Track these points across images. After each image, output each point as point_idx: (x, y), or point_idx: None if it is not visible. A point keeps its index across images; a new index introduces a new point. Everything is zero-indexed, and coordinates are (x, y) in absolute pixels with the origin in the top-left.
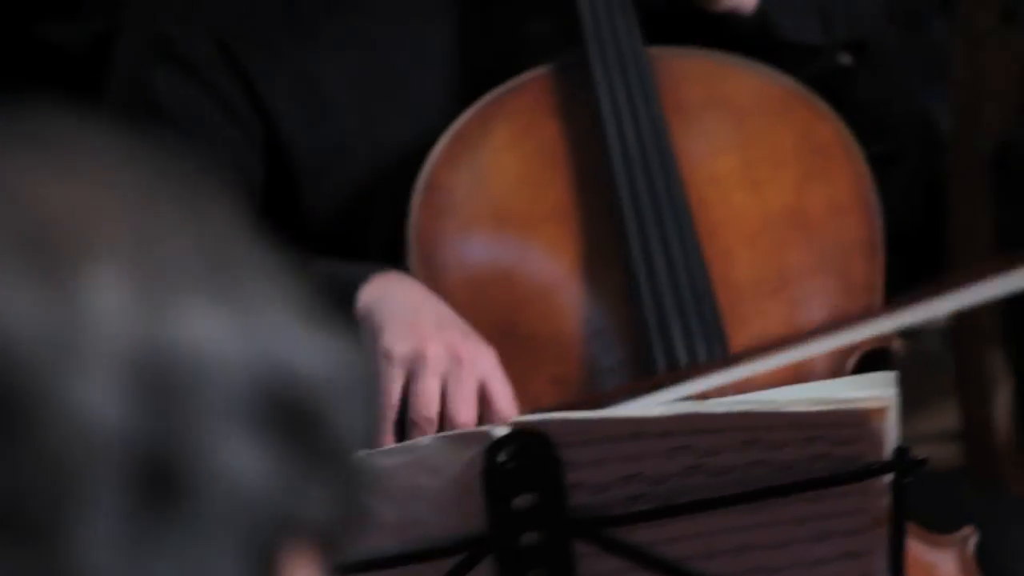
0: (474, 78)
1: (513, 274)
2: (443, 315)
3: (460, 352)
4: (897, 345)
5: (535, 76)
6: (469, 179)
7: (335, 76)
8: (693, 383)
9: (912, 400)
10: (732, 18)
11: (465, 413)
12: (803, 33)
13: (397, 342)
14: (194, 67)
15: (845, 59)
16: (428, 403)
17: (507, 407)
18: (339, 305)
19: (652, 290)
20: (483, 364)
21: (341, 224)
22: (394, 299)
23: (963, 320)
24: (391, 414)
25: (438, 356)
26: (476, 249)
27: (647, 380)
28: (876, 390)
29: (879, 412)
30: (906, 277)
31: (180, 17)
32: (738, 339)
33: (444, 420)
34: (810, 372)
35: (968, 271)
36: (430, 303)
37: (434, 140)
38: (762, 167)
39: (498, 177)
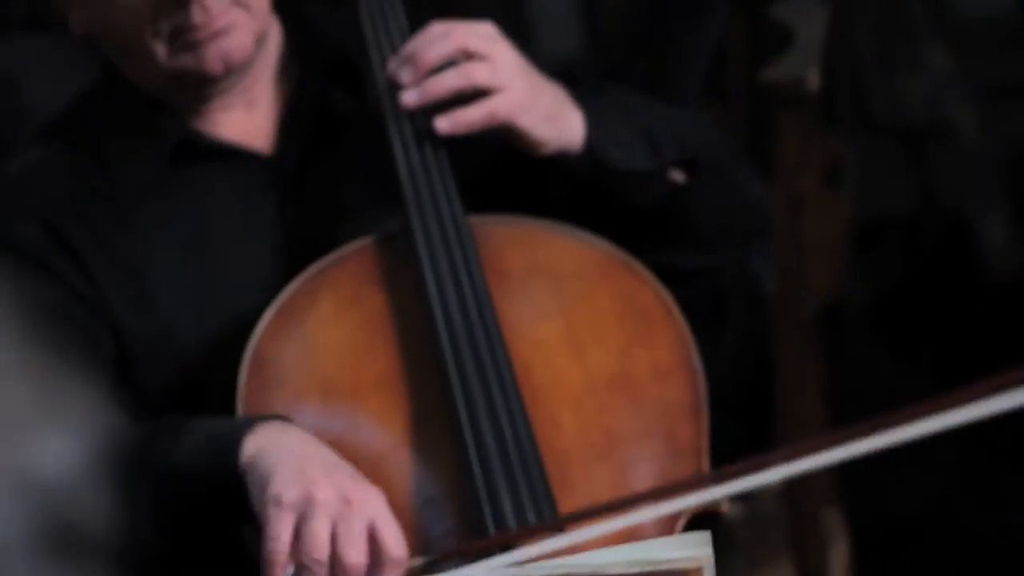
0: (298, 250)
1: (343, 444)
2: (330, 460)
3: (349, 495)
4: (726, 507)
5: (359, 247)
6: (296, 351)
7: (157, 260)
8: (521, 549)
9: (750, 559)
10: (563, 159)
11: (355, 554)
12: (633, 161)
13: (286, 488)
14: (17, 246)
15: (678, 177)
16: (319, 546)
17: (396, 547)
18: (221, 456)
19: (480, 458)
20: (372, 505)
21: (176, 401)
22: (280, 446)
23: (798, 480)
24: (281, 559)
25: (328, 500)
26: (305, 420)
27: (476, 543)
28: (693, 550)
29: (695, 572)
30: (738, 438)
31: (4, 209)
32: (567, 504)
33: (335, 563)
34: (640, 530)
35: (798, 443)
36: (316, 449)
37: (260, 314)
38: (585, 333)
39: (324, 348)
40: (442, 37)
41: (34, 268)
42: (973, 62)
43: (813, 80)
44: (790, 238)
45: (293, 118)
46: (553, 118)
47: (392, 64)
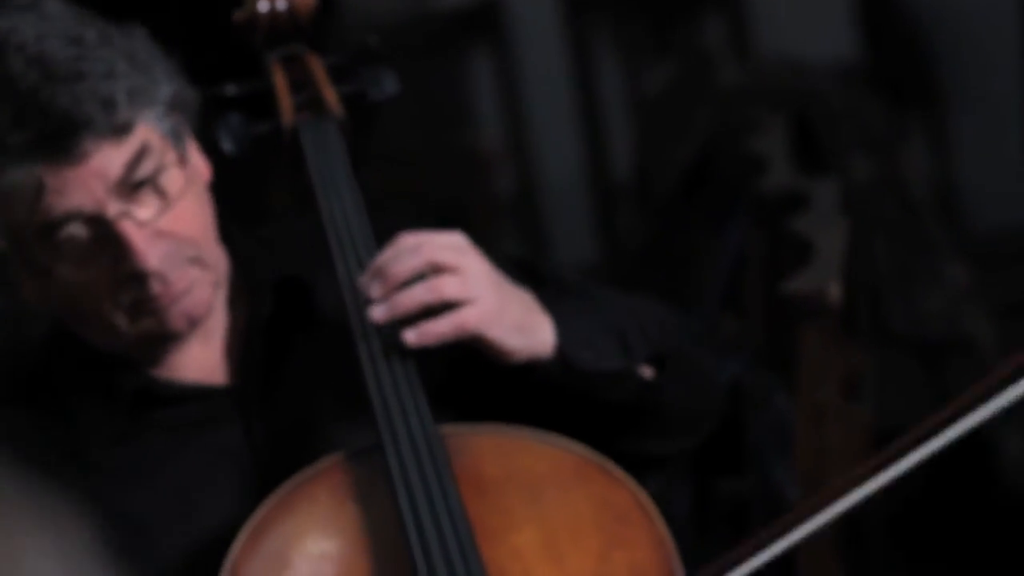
0: (273, 472)
1: None
2: None
3: None
4: None
5: (332, 462)
6: (270, 567)
7: (130, 502)
8: None
9: None
10: (534, 365)
11: None
12: (603, 361)
13: None
14: None
15: (646, 371)
16: None
17: None
18: None
19: None
20: None
21: None
22: None
23: None
24: None
25: None
26: None
27: None
28: None
29: None
30: None
31: None
32: None
33: None
34: None
35: None
36: None
37: (234, 533)
38: (563, 538)
39: (300, 563)
40: (411, 251)
41: None
42: (989, 276)
43: (835, 292)
44: (812, 448)
45: (248, 346)
46: (523, 328)
47: (361, 278)
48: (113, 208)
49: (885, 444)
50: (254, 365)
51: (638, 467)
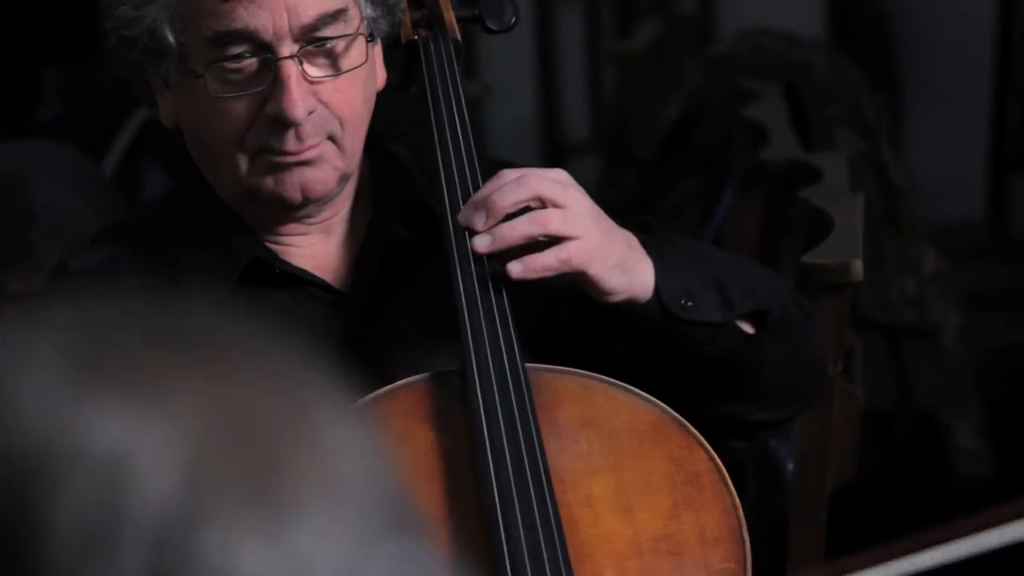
0: (355, 382)
1: None
2: None
3: None
4: None
5: (412, 382)
6: None
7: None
8: None
9: None
10: (630, 308)
11: None
12: (702, 311)
13: None
14: None
15: (748, 329)
16: None
17: None
18: None
19: None
20: None
21: None
22: None
23: None
24: None
25: None
26: None
27: None
28: None
29: None
30: None
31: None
32: None
33: None
34: None
35: None
36: None
37: None
38: (635, 492)
39: None
40: (516, 183)
41: None
42: (957, 266)
43: (858, 267)
44: (816, 423)
45: (365, 252)
46: (624, 266)
47: (465, 209)
48: (287, 48)
49: None
50: (367, 273)
51: (722, 434)
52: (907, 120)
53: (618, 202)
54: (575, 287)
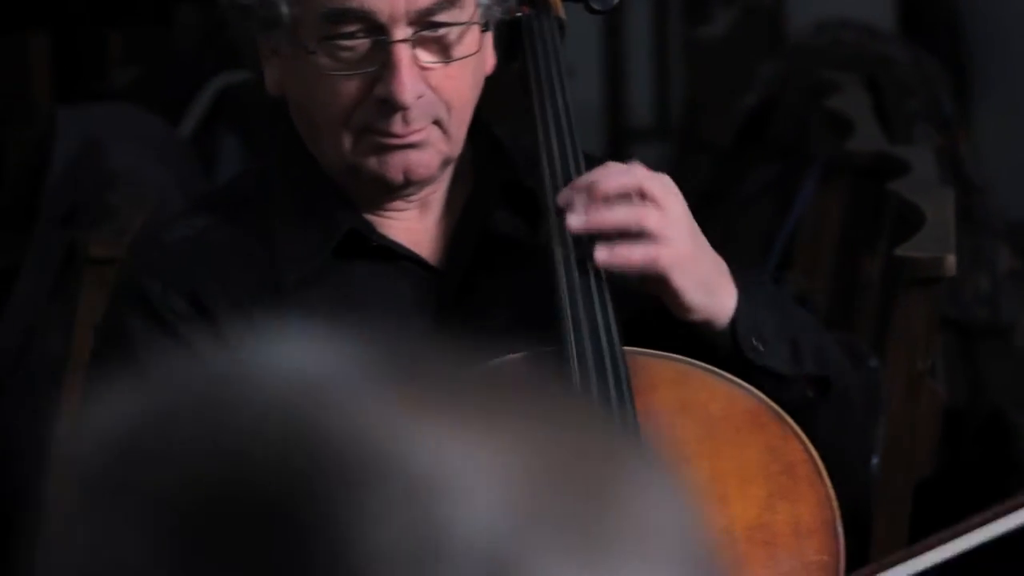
0: None
1: None
2: None
3: None
4: None
5: (508, 360)
6: None
7: None
8: None
9: None
10: (704, 330)
11: None
12: (772, 359)
13: None
14: (169, 322)
15: (809, 393)
16: None
17: None
18: None
19: None
20: None
21: None
22: None
23: None
24: None
25: None
26: None
27: None
28: None
29: None
30: None
31: (159, 274)
32: None
33: None
34: None
35: None
36: None
37: None
38: (730, 480)
39: None
40: (623, 171)
41: (175, 338)
42: None
43: (951, 262)
44: (906, 419)
45: (462, 231)
46: (708, 287)
47: (567, 189)
48: (401, 31)
49: None
50: (463, 251)
51: None
52: (980, 117)
53: (688, 188)
54: (654, 296)
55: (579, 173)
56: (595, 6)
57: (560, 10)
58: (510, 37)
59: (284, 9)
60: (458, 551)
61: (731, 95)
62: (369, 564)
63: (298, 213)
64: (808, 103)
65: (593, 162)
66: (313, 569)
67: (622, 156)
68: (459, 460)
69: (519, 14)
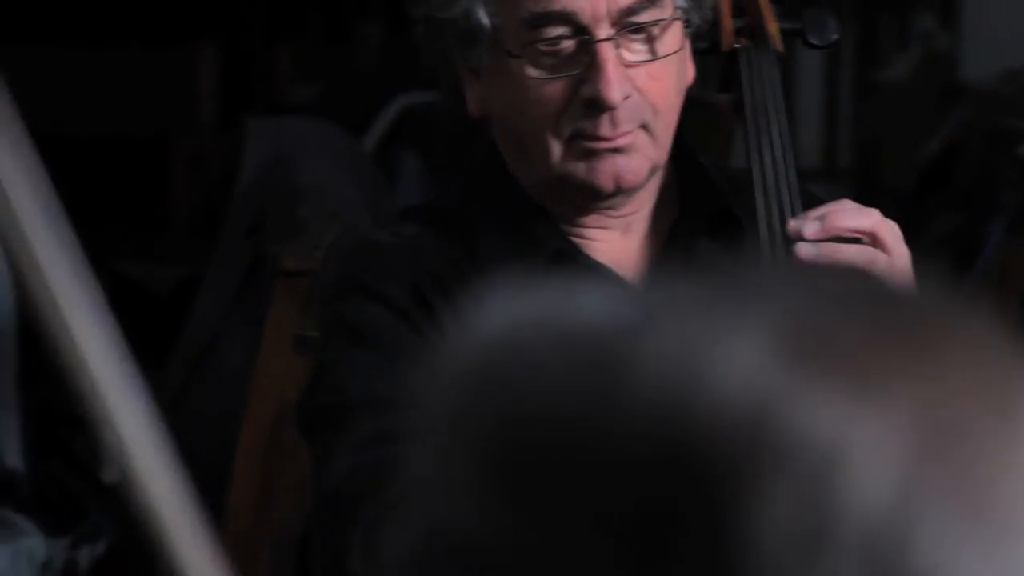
0: None
1: None
2: None
3: None
4: None
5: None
6: None
7: None
8: None
9: None
10: None
11: None
12: None
13: None
14: (385, 298)
15: None
16: None
17: None
18: None
19: None
20: None
21: None
22: None
23: None
24: None
25: None
26: None
27: None
28: None
29: None
30: None
31: (378, 269)
32: None
33: None
34: None
35: None
36: None
37: None
38: None
39: None
40: (860, 211)
41: (391, 312)
42: None
43: None
44: None
45: (666, 254)
46: None
47: (799, 219)
48: (604, 31)
49: None
50: None
51: None
52: None
53: None
54: None
55: (793, 208)
56: (813, 41)
57: (778, 43)
58: (727, 69)
59: (485, 20)
60: (848, 531)
61: (911, 140)
62: (768, 547)
63: (502, 231)
64: (995, 151)
65: (812, 198)
66: (681, 558)
67: None
68: (851, 434)
69: (736, 46)
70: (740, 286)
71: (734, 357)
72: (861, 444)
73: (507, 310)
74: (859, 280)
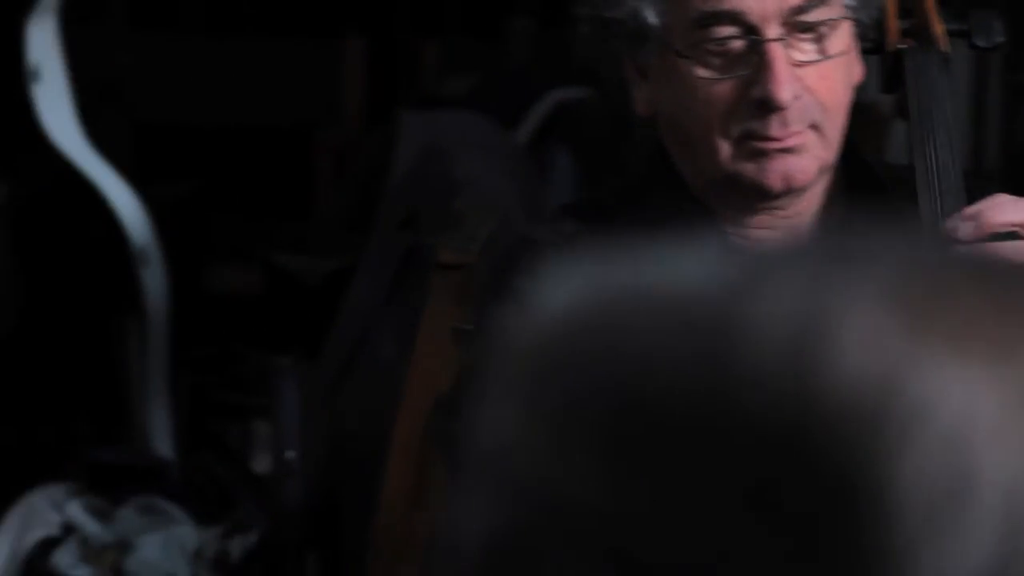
0: None
1: None
2: None
3: None
4: None
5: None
6: None
7: None
8: None
9: None
10: None
11: None
12: None
13: None
14: None
15: None
16: None
17: None
18: None
19: None
20: None
21: None
22: None
23: None
24: None
25: None
26: None
27: None
28: None
29: None
30: None
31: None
32: None
33: None
34: None
35: None
36: None
37: None
38: None
39: None
40: (1014, 204)
41: None
42: None
43: None
44: None
45: None
46: None
47: (954, 218)
48: (773, 31)
49: None
50: None
51: None
52: None
53: None
54: None
55: (958, 208)
56: (979, 43)
57: (945, 44)
58: (892, 69)
59: (653, 20)
60: (989, 491)
61: None
62: (908, 515)
63: (664, 231)
64: None
65: (981, 192)
66: (815, 521)
67: None
68: (981, 400)
69: (902, 47)
70: (857, 252)
71: (855, 320)
72: (990, 410)
73: (603, 276)
74: (1002, 266)
